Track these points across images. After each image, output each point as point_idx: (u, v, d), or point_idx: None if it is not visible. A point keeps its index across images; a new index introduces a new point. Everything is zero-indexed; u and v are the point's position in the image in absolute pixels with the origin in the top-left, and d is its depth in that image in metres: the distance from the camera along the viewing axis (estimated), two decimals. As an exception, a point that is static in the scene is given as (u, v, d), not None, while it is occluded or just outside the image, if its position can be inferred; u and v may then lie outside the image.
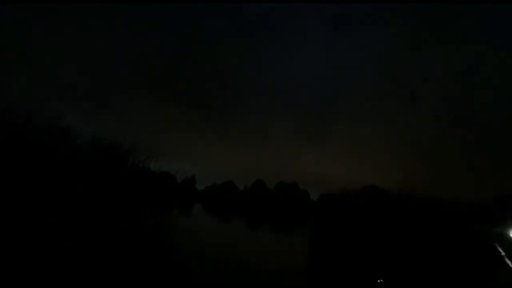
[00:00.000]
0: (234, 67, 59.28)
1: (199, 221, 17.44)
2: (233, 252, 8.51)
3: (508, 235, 6.45)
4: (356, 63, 56.71)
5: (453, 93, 44.28)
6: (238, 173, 55.89)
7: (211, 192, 50.06)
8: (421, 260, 6.97)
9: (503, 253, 6.14)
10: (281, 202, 44.63)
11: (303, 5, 47.99)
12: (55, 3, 31.44)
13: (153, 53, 53.09)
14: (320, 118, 61.94)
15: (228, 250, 8.89)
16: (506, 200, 7.85)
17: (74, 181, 5.80)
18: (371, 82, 55.71)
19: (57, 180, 5.58)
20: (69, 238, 5.40)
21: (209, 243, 9.79)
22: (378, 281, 6.10)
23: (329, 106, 59.07)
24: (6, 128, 5.47)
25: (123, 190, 7.04)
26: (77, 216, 5.74)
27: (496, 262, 6.32)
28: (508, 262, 6.04)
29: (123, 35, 48.74)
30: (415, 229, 7.58)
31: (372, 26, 47.94)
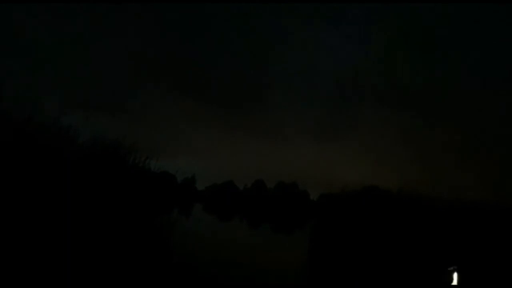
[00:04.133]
0: (237, 63, 58.89)
1: (200, 221, 17.42)
2: (234, 252, 8.50)
3: None
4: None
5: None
6: (238, 173, 55.75)
7: (211, 192, 50.04)
8: (422, 260, 6.96)
9: None
10: (281, 202, 44.60)
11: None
12: (56, 2, 31.35)
13: (153, 42, 52.35)
14: (321, 119, 61.92)
15: (229, 250, 8.88)
16: None
17: (75, 181, 5.78)
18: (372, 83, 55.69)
19: (57, 180, 5.56)
20: (70, 238, 5.39)
21: (209, 243, 9.78)
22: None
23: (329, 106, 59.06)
24: (6, 127, 5.46)
25: (123, 190, 7.02)
26: (77, 216, 5.72)
27: (498, 261, 6.31)
28: None
29: (122, 27, 48.33)
30: (416, 229, 7.56)
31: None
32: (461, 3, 35.72)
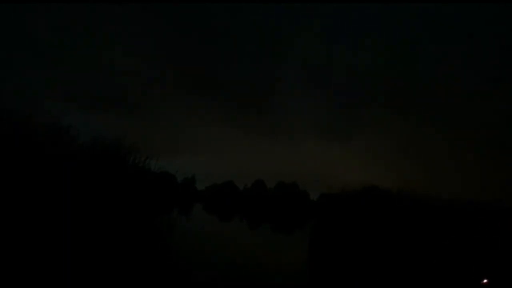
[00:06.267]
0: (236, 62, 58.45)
1: (200, 221, 17.43)
2: (234, 252, 8.50)
3: None
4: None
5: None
6: (238, 173, 55.66)
7: (211, 192, 50.00)
8: (422, 260, 6.96)
9: None
10: (281, 202, 44.56)
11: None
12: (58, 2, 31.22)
13: (153, 42, 51.69)
14: (321, 119, 61.91)
15: (229, 250, 8.88)
16: None
17: (75, 180, 5.78)
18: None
19: (58, 180, 5.56)
20: (70, 238, 5.39)
21: (209, 243, 9.78)
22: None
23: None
24: (6, 127, 5.46)
25: (124, 190, 7.02)
26: (77, 216, 5.73)
27: (498, 262, 6.31)
28: None
29: (122, 26, 47.77)
30: (416, 229, 7.56)
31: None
32: (462, 3, 35.75)
